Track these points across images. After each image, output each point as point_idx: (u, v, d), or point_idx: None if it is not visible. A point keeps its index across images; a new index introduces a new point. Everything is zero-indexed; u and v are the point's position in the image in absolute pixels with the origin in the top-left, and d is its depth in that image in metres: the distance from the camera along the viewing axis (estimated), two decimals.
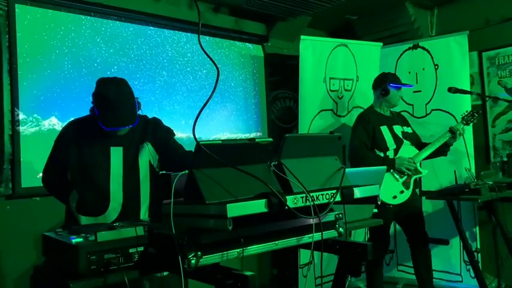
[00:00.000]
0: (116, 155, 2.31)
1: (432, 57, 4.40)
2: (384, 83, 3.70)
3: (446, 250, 4.14)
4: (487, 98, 4.54)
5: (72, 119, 2.45)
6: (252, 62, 4.75)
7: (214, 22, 4.42)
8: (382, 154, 3.62)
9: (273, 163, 1.56)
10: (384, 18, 4.89)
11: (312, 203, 1.46)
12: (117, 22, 3.81)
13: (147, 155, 2.36)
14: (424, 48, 4.46)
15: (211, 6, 4.44)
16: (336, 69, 4.37)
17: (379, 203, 1.74)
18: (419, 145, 3.75)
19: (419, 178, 3.82)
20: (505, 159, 4.29)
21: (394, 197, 3.54)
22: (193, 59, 4.26)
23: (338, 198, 1.56)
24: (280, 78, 4.97)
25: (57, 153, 2.37)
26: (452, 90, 3.77)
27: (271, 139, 1.54)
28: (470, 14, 4.72)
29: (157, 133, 2.41)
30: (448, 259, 4.24)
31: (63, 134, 2.39)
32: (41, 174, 2.48)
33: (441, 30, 4.93)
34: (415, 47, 4.50)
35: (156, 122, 2.46)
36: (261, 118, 4.79)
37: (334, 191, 1.55)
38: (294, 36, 4.85)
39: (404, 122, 3.86)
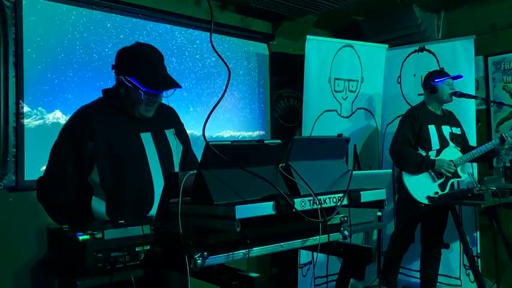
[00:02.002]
0: (148, 141, 2.04)
1: (438, 61, 4.38)
2: (430, 80, 3.68)
3: (446, 254, 4.14)
4: (492, 103, 4.53)
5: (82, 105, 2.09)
6: (257, 60, 4.74)
7: (220, 19, 4.40)
8: (424, 153, 3.61)
9: (281, 165, 1.55)
10: (391, 20, 4.87)
11: (319, 206, 1.45)
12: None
13: (174, 142, 2.15)
14: (429, 51, 4.44)
15: (217, 4, 4.43)
16: (341, 70, 4.36)
17: (384, 207, 1.74)
18: (465, 148, 3.73)
19: (458, 182, 3.78)
20: (508, 164, 4.28)
21: (428, 197, 3.55)
22: (202, 46, 4.25)
23: (345, 202, 1.56)
24: (285, 77, 4.96)
25: (76, 145, 1.94)
26: (457, 94, 3.76)
27: (279, 141, 1.54)
28: (477, 19, 4.71)
29: (180, 125, 2.25)
30: (447, 263, 4.24)
31: (81, 117, 1.98)
32: (44, 168, 2.14)
33: (447, 33, 4.91)
34: (421, 49, 4.49)
35: (175, 111, 2.27)
36: (265, 116, 4.79)
37: (341, 195, 1.55)
38: (299, 36, 4.83)
39: (455, 122, 3.82)
